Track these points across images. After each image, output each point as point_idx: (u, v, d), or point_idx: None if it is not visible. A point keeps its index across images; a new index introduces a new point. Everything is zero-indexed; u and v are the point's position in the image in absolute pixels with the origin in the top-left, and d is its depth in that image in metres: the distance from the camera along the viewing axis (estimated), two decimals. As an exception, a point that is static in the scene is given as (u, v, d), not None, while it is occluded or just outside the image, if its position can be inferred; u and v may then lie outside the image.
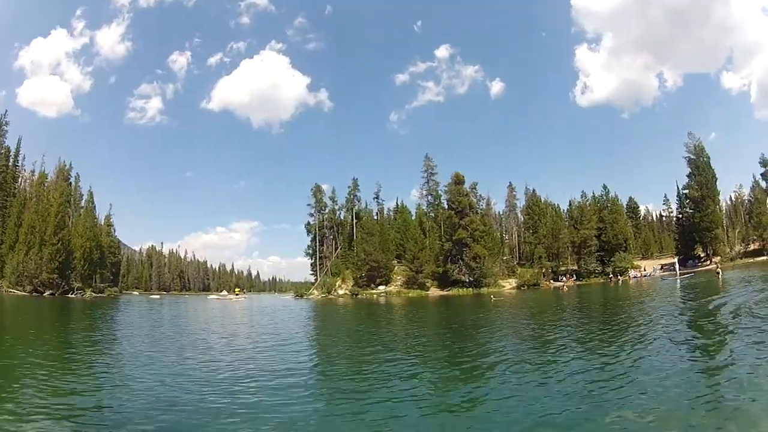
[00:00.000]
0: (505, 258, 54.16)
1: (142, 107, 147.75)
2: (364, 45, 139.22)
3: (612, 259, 49.72)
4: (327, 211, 59.60)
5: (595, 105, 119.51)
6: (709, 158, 50.77)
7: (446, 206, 52.74)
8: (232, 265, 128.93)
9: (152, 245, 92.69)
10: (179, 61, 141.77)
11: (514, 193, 61.33)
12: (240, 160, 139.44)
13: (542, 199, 55.47)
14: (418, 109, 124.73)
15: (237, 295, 60.32)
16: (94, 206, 57.80)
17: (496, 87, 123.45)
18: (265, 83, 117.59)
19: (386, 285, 54.36)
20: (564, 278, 50.12)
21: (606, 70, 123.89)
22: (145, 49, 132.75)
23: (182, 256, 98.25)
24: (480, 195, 54.87)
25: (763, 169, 53.73)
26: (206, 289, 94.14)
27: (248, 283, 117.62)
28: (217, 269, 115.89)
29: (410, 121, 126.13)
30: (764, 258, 48.08)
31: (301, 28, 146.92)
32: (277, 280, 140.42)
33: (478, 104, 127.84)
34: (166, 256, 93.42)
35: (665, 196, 70.51)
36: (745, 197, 56.84)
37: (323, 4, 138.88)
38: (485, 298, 33.99)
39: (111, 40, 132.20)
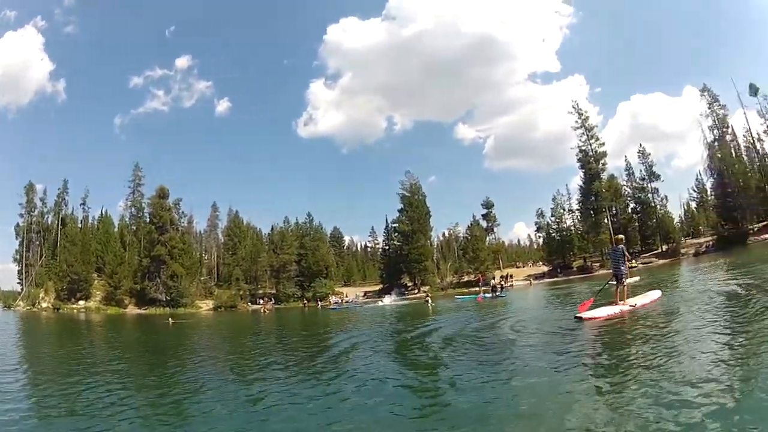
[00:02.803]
0: (203, 278, 52.52)
1: None
2: (114, 39, 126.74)
3: (312, 284, 49.05)
4: (36, 213, 55.35)
5: (316, 137, 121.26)
6: (425, 196, 54.49)
7: (148, 220, 49.76)
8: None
9: None
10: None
11: (217, 213, 61.46)
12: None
13: (244, 222, 54.40)
14: (143, 116, 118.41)
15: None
16: None
17: (223, 106, 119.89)
18: (16, 62, 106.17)
19: (86, 300, 51.46)
20: (261, 301, 48.99)
21: (335, 106, 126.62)
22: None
23: None
24: (183, 212, 53.25)
25: (485, 211, 59.83)
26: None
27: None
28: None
29: (132, 127, 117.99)
30: (477, 288, 49.31)
31: (69, 8, 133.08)
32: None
33: (200, 121, 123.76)
34: None
35: (372, 228, 76.00)
36: (460, 234, 59.76)
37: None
38: (180, 318, 33.18)
39: None
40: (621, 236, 11.15)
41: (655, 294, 11.18)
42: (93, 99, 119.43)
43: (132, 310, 50.07)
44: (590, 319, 9.05)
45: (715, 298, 9.97)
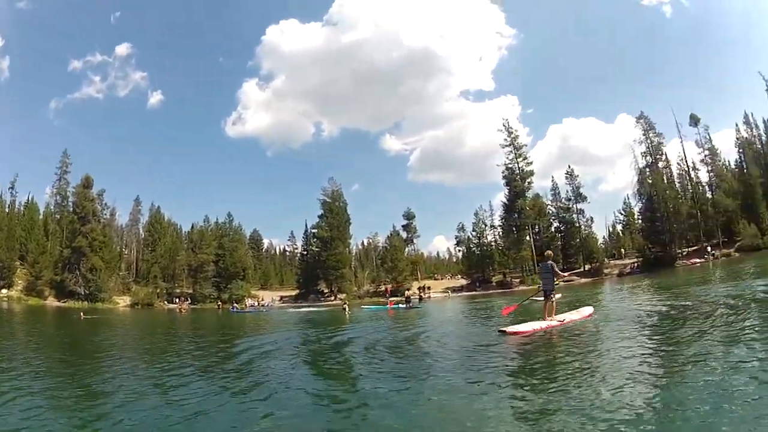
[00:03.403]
0: (121, 274, 53.26)
1: None
2: (62, 18, 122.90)
3: (229, 285, 49.96)
4: (-33, 195, 55.64)
5: (243, 137, 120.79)
6: (346, 204, 55.83)
7: (71, 209, 50.45)
8: None
9: None
10: None
11: (139, 207, 62.07)
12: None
13: (166, 218, 54.99)
14: (77, 102, 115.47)
15: None
16: None
17: (155, 98, 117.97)
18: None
19: (9, 289, 52.02)
20: (178, 300, 49.81)
21: (265, 108, 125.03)
22: None
23: None
24: (105, 203, 53.82)
25: (406, 222, 60.32)
26: None
27: None
28: None
29: (67, 112, 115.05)
30: (396, 298, 50.51)
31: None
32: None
33: (132, 111, 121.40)
34: None
35: (291, 233, 77.46)
36: (380, 244, 60.40)
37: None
38: (93, 314, 32.10)
39: None
40: (550, 252, 11.31)
41: (587, 310, 11.01)
42: (34, 79, 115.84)
43: (52, 302, 50.65)
44: (514, 333, 8.78)
45: (643, 317, 10.01)
